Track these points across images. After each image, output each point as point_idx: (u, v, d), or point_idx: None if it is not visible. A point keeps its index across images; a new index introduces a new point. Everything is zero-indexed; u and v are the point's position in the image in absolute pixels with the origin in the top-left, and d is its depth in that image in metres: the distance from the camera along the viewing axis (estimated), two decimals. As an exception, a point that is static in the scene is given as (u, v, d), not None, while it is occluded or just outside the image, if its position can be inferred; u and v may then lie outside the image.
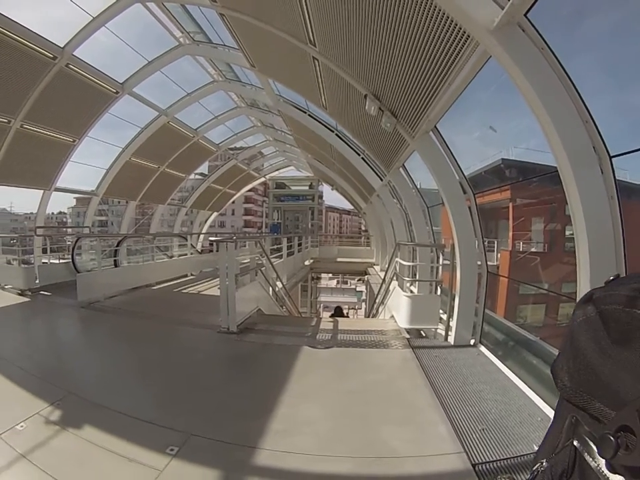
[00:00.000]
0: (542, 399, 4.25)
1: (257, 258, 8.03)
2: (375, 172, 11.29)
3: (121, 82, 10.89)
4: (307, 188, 28.01)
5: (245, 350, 5.90)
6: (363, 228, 78.69)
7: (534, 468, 0.81)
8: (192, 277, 13.69)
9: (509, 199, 10.75)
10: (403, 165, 8.31)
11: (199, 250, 17.47)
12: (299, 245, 17.23)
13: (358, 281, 38.33)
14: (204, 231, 25.22)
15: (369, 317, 14.56)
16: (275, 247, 13.65)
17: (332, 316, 17.99)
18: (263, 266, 8.37)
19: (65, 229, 30.66)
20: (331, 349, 5.96)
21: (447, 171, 5.87)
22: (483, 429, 3.66)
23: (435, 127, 5.73)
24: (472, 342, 6.14)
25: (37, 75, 9.08)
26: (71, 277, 9.79)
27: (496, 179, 8.88)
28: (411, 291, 7.41)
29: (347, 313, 29.09)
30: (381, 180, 11.24)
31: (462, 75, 4.17)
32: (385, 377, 4.97)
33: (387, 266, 13.45)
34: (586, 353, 0.67)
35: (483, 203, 6.54)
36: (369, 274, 20.17)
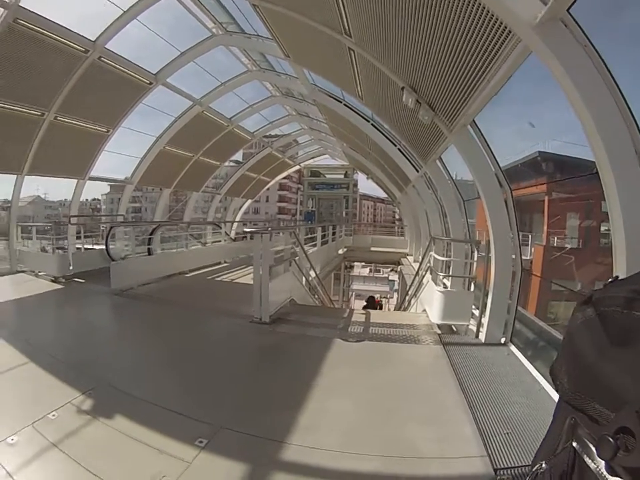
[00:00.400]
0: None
1: (290, 248, 8.04)
2: (411, 163, 11.10)
3: (154, 73, 10.99)
4: (341, 176, 27.82)
5: (277, 341, 5.95)
6: (397, 217, 78.02)
7: (533, 469, 0.82)
8: (225, 265, 13.86)
9: (544, 193, 10.48)
10: (440, 157, 8.17)
11: (233, 237, 17.57)
12: (333, 234, 17.20)
13: (390, 271, 37.91)
14: (238, 218, 25.39)
15: (400, 308, 14.51)
16: (309, 235, 13.72)
17: (365, 307, 17.98)
18: (297, 256, 8.40)
19: (98, 217, 31.08)
20: (361, 342, 5.96)
21: (484, 164, 5.74)
22: (508, 433, 3.60)
23: (473, 120, 5.59)
24: (502, 340, 6.03)
25: (69, 68, 9.26)
26: (104, 264, 9.93)
27: (532, 171, 8.81)
28: (445, 286, 7.31)
29: (380, 301, 28.99)
30: (417, 171, 11.07)
31: (502, 70, 4.05)
32: (414, 372, 4.96)
33: (420, 258, 13.36)
34: (585, 354, 0.68)
35: (518, 195, 6.38)
36: (402, 264, 20.01)
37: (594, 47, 2.89)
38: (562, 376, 0.75)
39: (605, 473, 0.60)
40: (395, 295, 34.81)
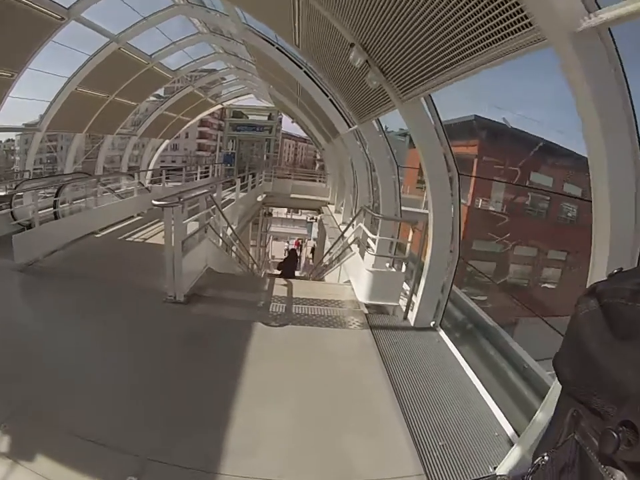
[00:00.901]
0: (497, 404, 4.10)
1: (206, 213, 7.29)
2: (344, 117, 10.49)
3: (67, 7, 9.31)
4: (265, 118, 26.55)
5: (194, 326, 5.31)
6: (318, 157, 77.51)
7: (534, 462, 0.81)
8: (140, 218, 12.76)
9: (474, 155, 10.44)
10: (378, 118, 7.66)
11: (148, 185, 16.36)
12: (252, 181, 16.46)
13: (311, 218, 37.73)
14: (155, 159, 23.65)
15: (319, 263, 14.30)
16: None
17: (280, 266, 17.35)
18: (212, 216, 7.69)
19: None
20: (285, 327, 5.49)
21: (433, 144, 5.20)
22: (443, 445, 3.47)
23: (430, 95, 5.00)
24: (432, 323, 5.83)
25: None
26: (10, 230, 8.20)
27: (465, 132, 9.05)
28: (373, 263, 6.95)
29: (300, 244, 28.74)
30: (349, 126, 10.48)
31: (492, 59, 3.25)
32: (345, 367, 4.64)
33: (342, 209, 13.08)
34: (588, 346, 0.68)
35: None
36: (323, 212, 19.80)
37: (623, 71, 2.49)
38: (564, 368, 0.76)
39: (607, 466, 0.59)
40: (314, 242, 34.98)
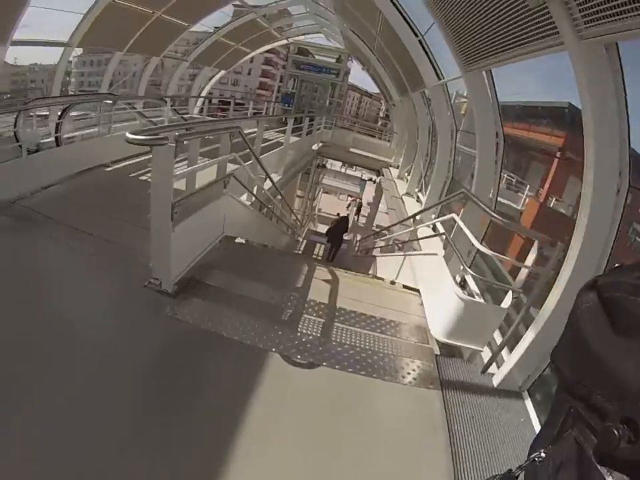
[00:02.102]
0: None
1: (229, 158, 5.14)
2: (434, 65, 8.27)
3: None
4: (333, 60, 23.91)
5: (174, 345, 3.50)
6: (381, 114, 74.56)
7: (530, 456, 0.81)
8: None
9: (558, 147, 8.26)
10: (490, 70, 5.57)
11: (185, 115, 14.55)
12: (310, 126, 14.41)
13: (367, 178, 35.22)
14: (207, 90, 21.70)
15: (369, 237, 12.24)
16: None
17: (328, 232, 15.46)
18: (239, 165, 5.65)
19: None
20: (315, 370, 3.55)
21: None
22: None
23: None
24: (519, 386, 3.92)
25: None
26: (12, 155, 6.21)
27: (551, 119, 7.71)
28: (467, 289, 4.73)
29: (348, 212, 26.61)
30: (439, 78, 8.27)
31: None
32: (396, 462, 2.80)
33: (411, 193, 11.05)
34: (589, 341, 0.66)
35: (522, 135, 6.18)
36: (383, 175, 17.39)
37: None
38: (563, 363, 0.75)
39: (605, 463, 0.59)
40: (365, 201, 32.75)
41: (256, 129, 7.67)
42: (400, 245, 7.71)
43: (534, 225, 7.52)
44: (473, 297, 4.23)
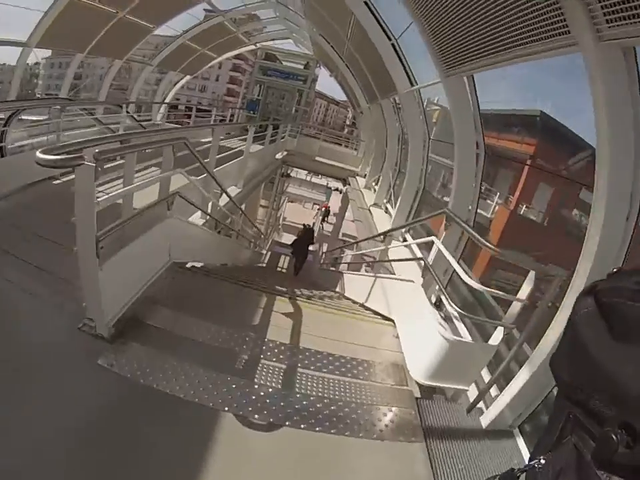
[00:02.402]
0: None
1: (171, 173, 4.27)
2: (407, 70, 7.75)
3: None
4: (301, 67, 23.18)
5: (109, 405, 2.77)
6: (348, 122, 74.73)
7: (530, 463, 0.80)
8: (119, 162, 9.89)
9: (529, 154, 8.06)
10: (472, 76, 5.08)
11: (145, 122, 13.80)
12: (274, 135, 13.79)
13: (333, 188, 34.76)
14: (171, 94, 20.74)
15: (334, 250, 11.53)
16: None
17: (294, 248, 14.85)
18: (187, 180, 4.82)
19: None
20: (276, 432, 2.89)
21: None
22: None
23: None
24: (510, 425, 3.40)
25: None
26: None
27: (522, 127, 7.52)
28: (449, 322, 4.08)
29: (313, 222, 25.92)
30: (412, 84, 7.74)
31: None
32: None
33: (379, 204, 10.62)
34: (587, 346, 0.66)
35: (494, 144, 5.91)
36: (350, 185, 16.90)
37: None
38: (562, 368, 0.75)
39: (604, 468, 0.59)
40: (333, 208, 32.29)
41: (221, 137, 6.99)
42: (370, 264, 7.10)
43: (504, 232, 7.33)
44: (457, 332, 3.68)
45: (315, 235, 18.81)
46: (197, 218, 5.92)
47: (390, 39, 7.65)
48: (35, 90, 27.19)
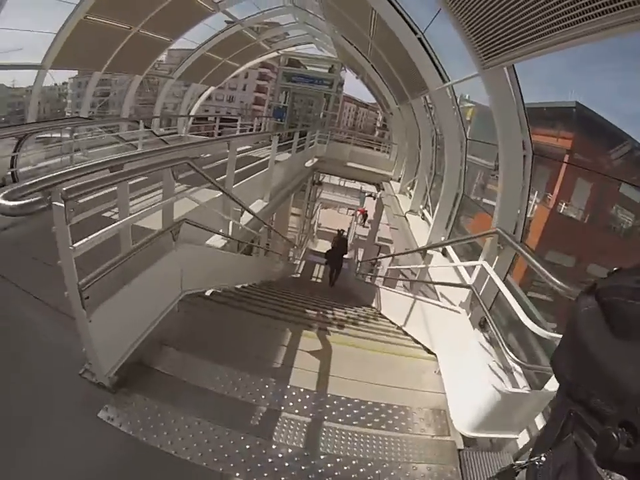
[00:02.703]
0: None
1: (174, 197, 3.75)
2: (436, 65, 7.13)
3: None
4: (326, 71, 22.46)
5: (107, 465, 2.38)
6: (379, 124, 73.92)
7: (531, 459, 0.80)
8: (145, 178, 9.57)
9: (566, 149, 7.42)
10: (514, 66, 4.43)
11: (166, 136, 13.71)
12: (301, 143, 13.20)
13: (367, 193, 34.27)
14: (196, 107, 20.62)
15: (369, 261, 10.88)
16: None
17: (327, 254, 14.49)
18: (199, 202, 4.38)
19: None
20: None
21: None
22: None
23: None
24: None
25: None
26: None
27: (557, 120, 7.11)
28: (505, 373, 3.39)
29: (347, 232, 25.27)
30: (444, 80, 7.12)
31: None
32: None
33: (415, 210, 10.03)
34: (588, 344, 0.65)
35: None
36: (384, 189, 16.23)
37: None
38: (562, 366, 0.74)
39: (605, 466, 0.58)
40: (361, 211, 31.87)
41: (249, 147, 6.56)
42: (408, 282, 6.50)
43: (544, 232, 6.93)
44: (509, 374, 3.09)
45: (350, 241, 18.30)
46: (217, 239, 5.47)
47: (416, 33, 7.03)
48: (64, 109, 27.78)
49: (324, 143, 18.31)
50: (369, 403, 3.28)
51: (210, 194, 5.06)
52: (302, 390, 3.28)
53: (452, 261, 6.28)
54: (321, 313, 6.32)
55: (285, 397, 3.19)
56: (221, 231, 5.36)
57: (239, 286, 6.59)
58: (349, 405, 3.23)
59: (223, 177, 5.48)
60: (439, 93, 7.33)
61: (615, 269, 0.68)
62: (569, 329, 0.71)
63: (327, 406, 3.19)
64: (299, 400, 3.18)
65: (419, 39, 7.03)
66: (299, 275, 17.92)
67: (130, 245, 3.16)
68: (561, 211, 7.13)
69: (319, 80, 22.00)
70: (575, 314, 0.69)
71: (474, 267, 3.88)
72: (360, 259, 20.24)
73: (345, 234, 17.05)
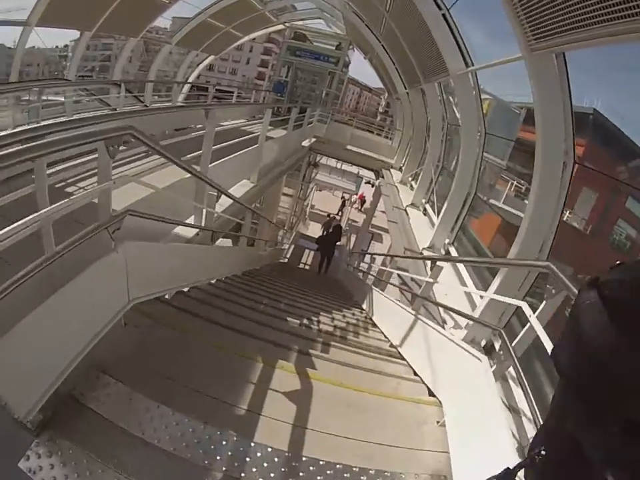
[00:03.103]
0: None
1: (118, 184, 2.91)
2: (460, 47, 6.28)
3: None
4: (332, 48, 21.32)
5: None
6: (380, 110, 73.08)
7: (530, 453, 0.79)
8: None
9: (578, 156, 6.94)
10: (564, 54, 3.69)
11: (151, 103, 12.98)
12: (299, 120, 12.48)
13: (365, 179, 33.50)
14: (194, 75, 19.64)
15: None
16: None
17: (319, 240, 13.90)
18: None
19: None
20: None
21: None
22: None
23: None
24: None
25: None
26: None
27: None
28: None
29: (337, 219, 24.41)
30: (467, 65, 6.27)
31: None
32: None
33: (417, 204, 9.32)
34: (589, 338, 0.64)
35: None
36: (383, 177, 15.34)
37: None
38: (563, 360, 0.72)
39: (604, 462, 0.59)
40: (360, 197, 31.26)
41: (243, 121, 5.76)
42: (408, 293, 5.74)
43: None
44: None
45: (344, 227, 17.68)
46: (188, 230, 4.65)
47: (440, 8, 6.19)
48: (63, 72, 27.26)
49: (324, 123, 17.54)
50: (354, 469, 2.52)
51: (181, 174, 4.20)
52: (270, 450, 2.49)
53: (463, 282, 5.47)
54: (305, 321, 5.51)
55: (248, 459, 2.41)
56: (188, 220, 4.55)
57: (213, 280, 5.78)
58: (328, 472, 2.46)
59: (198, 152, 4.67)
60: (461, 78, 6.47)
61: (617, 262, 0.66)
62: (570, 322, 0.69)
63: (301, 474, 2.42)
64: (265, 464, 2.40)
65: (443, 15, 6.18)
66: (286, 260, 17.18)
67: (53, 246, 2.33)
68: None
69: (324, 56, 20.92)
70: (577, 307, 0.67)
71: (504, 302, 3.09)
72: (352, 246, 19.65)
73: (338, 219, 16.30)
